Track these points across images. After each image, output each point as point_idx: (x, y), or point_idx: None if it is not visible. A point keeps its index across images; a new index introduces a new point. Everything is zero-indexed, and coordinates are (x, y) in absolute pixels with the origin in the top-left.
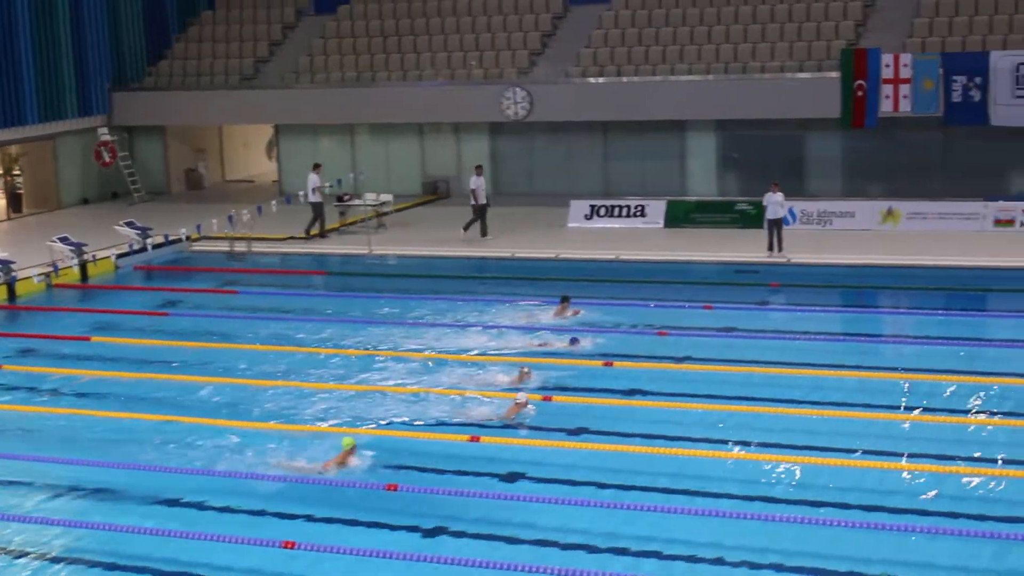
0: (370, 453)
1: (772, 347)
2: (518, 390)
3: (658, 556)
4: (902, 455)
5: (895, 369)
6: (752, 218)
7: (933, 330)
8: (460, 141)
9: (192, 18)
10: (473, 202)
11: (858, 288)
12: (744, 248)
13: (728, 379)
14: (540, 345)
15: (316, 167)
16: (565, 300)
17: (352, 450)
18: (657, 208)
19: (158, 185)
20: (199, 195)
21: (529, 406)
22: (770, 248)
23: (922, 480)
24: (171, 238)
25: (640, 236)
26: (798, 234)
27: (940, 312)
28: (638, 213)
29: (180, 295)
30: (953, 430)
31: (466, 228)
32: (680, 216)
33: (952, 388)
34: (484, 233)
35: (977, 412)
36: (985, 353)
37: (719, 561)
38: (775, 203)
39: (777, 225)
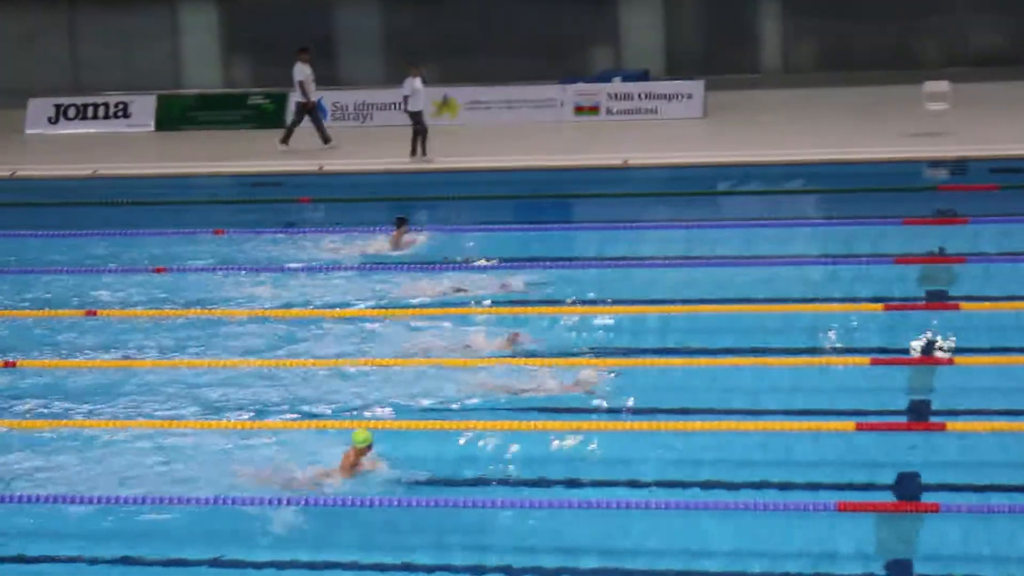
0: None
1: (302, 283)
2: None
3: None
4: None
5: (448, 304)
6: (270, 115)
7: (502, 250)
8: None
9: None
10: (300, 99)
11: (406, 200)
12: (262, 154)
13: (239, 326)
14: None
15: None
16: (402, 223)
17: (366, 449)
18: (145, 106)
19: None
20: None
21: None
22: (414, 152)
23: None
24: None
25: (124, 143)
26: (333, 133)
27: (514, 227)
28: (120, 114)
29: None
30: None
31: (285, 140)
32: (176, 116)
33: (548, 320)
34: (326, 139)
35: (580, 353)
36: (574, 276)
37: None
38: (419, 92)
39: (418, 120)
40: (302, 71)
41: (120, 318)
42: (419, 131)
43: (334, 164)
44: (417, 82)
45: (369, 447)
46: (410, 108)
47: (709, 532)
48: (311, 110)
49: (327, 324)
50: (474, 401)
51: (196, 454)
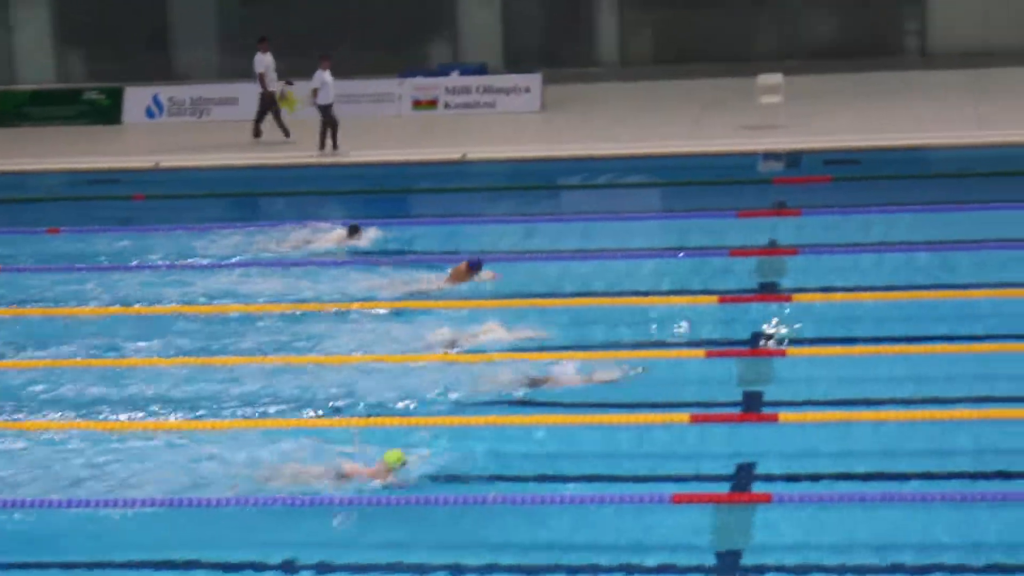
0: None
1: (139, 280)
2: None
3: None
4: None
5: (308, 299)
6: (105, 110)
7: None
8: None
9: None
10: (261, 89)
11: (246, 196)
12: (98, 149)
13: (87, 326)
14: None
15: None
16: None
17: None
18: None
19: None
20: None
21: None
22: (323, 145)
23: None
24: None
25: None
26: (168, 127)
27: (360, 221)
28: None
29: None
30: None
31: (257, 133)
32: (8, 112)
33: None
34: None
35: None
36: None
37: None
38: (328, 84)
39: (327, 113)
40: (262, 62)
41: None
42: (329, 124)
43: (171, 161)
44: (327, 75)
45: (402, 464)
46: (319, 101)
47: (545, 525)
48: (272, 101)
49: (176, 322)
50: None
51: (28, 457)
